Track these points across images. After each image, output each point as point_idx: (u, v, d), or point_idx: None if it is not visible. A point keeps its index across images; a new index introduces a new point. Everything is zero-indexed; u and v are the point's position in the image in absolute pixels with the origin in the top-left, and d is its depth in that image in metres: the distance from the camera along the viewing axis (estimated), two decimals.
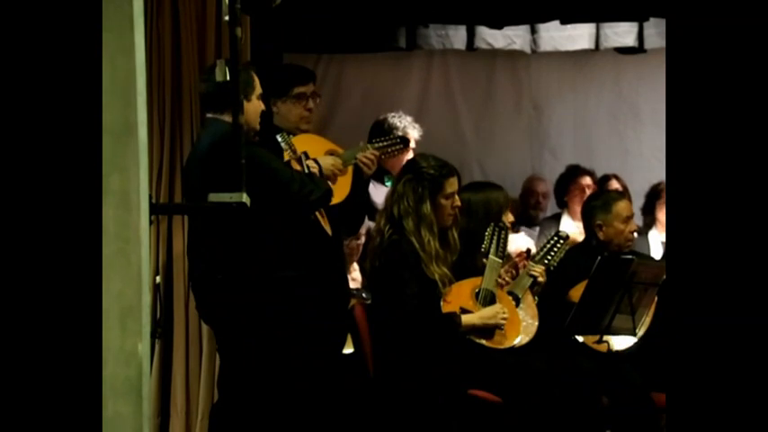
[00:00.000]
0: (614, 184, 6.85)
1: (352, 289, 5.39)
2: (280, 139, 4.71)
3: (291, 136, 4.83)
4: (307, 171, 4.66)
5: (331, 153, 4.87)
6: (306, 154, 4.74)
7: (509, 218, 5.17)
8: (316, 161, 4.74)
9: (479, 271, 4.95)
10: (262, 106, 4.64)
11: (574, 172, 6.96)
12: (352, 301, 5.06)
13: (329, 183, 4.71)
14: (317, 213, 4.75)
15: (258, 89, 4.60)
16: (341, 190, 4.82)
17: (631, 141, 7.73)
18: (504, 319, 4.84)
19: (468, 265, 4.98)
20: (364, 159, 4.89)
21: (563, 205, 6.97)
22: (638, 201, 6.83)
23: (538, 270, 5.08)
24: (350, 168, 4.87)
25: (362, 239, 5.67)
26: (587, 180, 6.85)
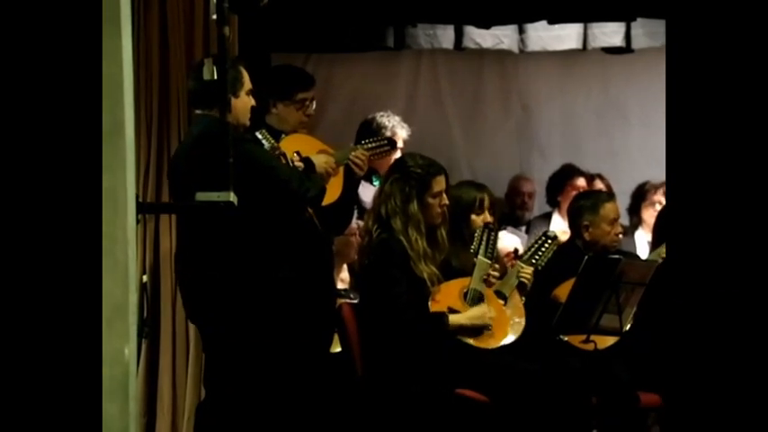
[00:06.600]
0: (599, 184, 6.84)
1: (340, 289, 5.39)
2: (260, 137, 4.70)
3: (284, 135, 4.83)
4: None
5: (322, 153, 4.87)
6: (298, 153, 4.74)
7: (486, 218, 5.13)
8: (309, 159, 4.74)
9: (451, 267, 4.94)
10: (252, 102, 4.63)
11: (569, 172, 6.94)
12: (340, 301, 5.05)
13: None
14: (311, 212, 4.75)
15: (247, 85, 4.59)
16: (333, 190, 4.82)
17: (619, 141, 7.74)
18: (492, 318, 4.84)
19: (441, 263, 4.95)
20: (356, 160, 4.90)
21: (554, 204, 6.95)
22: (626, 201, 6.84)
23: (526, 270, 5.08)
24: (341, 169, 4.88)
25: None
26: (582, 182, 6.83)
